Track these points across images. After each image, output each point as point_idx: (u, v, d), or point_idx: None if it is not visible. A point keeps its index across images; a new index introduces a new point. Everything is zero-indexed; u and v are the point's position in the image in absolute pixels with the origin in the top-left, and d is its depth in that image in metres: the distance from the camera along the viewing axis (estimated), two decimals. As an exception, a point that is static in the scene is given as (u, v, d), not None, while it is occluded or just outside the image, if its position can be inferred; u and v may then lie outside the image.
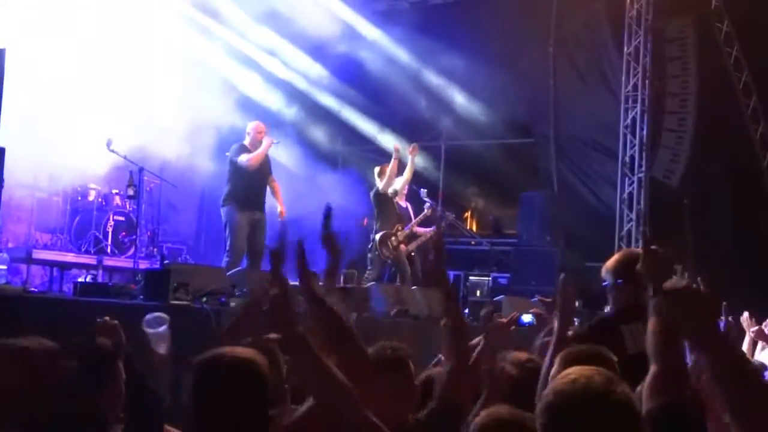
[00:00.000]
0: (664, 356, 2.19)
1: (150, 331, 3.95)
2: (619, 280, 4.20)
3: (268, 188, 9.89)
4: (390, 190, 10.43)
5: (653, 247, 2.17)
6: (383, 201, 10.52)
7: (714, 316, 1.87)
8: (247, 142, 9.87)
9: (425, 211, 10.84)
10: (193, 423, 2.24)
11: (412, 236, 10.82)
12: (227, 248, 9.57)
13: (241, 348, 2.50)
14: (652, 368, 2.57)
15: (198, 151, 11.90)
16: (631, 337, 3.84)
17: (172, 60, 12.06)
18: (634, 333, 3.83)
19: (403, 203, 11.00)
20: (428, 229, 11.39)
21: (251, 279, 7.85)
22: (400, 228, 10.56)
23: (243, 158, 9.56)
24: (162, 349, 3.90)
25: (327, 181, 12.76)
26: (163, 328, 3.96)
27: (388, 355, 3.25)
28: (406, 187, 10.83)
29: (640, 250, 4.10)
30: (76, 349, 3.40)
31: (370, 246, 10.59)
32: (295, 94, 13.45)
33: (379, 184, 10.52)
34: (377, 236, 10.38)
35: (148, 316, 4.04)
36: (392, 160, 10.52)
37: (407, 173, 10.67)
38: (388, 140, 14.18)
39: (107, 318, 3.72)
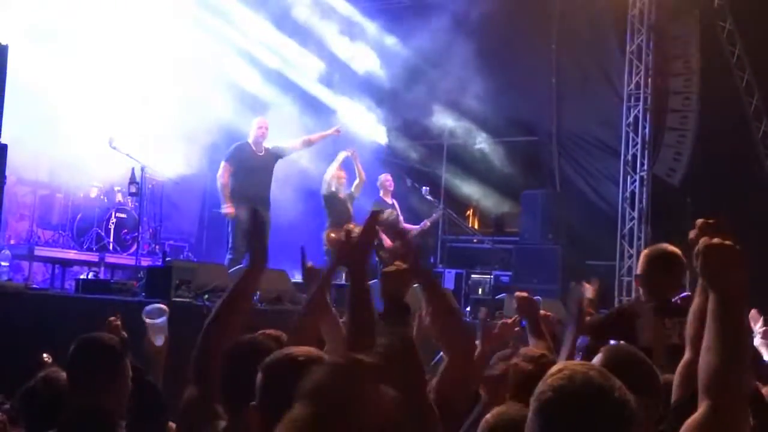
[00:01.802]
0: (699, 344, 2.19)
1: (149, 321, 3.95)
2: (638, 273, 4.29)
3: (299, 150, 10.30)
4: (329, 191, 10.68)
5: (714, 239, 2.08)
6: (328, 201, 10.74)
7: (738, 264, 2.03)
8: (250, 139, 9.89)
9: (385, 213, 11.01)
10: None
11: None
12: (230, 246, 9.59)
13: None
14: (686, 355, 2.58)
15: (201, 148, 11.90)
16: (643, 331, 3.86)
17: (175, 58, 12.05)
18: (647, 326, 3.86)
19: (390, 200, 11.20)
20: (415, 227, 11.48)
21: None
22: (353, 227, 10.69)
23: (219, 171, 9.86)
24: (159, 341, 3.91)
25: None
26: (162, 320, 3.96)
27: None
28: (392, 184, 11.53)
29: (666, 246, 4.17)
30: (85, 345, 3.41)
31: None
32: (297, 92, 13.44)
33: (324, 185, 10.78)
34: (324, 233, 10.57)
35: (149, 307, 4.05)
36: (335, 162, 10.84)
37: (360, 174, 11.01)
38: (390, 138, 14.22)
39: (114, 317, 3.73)
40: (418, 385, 2.45)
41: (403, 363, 2.37)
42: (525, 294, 4.01)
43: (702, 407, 1.97)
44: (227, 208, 9.72)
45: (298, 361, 2.35)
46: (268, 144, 10.01)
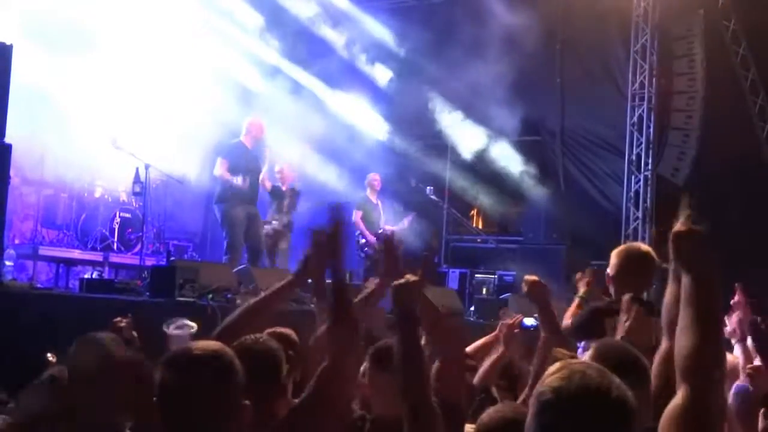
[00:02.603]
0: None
1: (174, 332, 3.88)
2: (609, 272, 4.31)
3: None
4: (275, 185, 10.75)
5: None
6: (271, 193, 10.81)
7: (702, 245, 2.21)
8: (243, 138, 9.88)
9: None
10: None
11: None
12: (226, 246, 9.59)
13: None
14: (663, 344, 2.57)
15: (205, 148, 11.89)
16: (612, 331, 3.84)
17: (179, 58, 12.07)
18: (615, 326, 3.84)
19: (375, 200, 11.25)
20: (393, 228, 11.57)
21: (257, 275, 7.86)
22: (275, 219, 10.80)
23: (216, 166, 9.78)
24: None
25: (331, 179, 12.76)
26: (185, 331, 3.89)
27: (383, 352, 3.20)
28: (379, 184, 11.64)
29: (637, 244, 4.17)
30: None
31: None
32: (298, 90, 13.44)
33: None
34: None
35: (177, 320, 3.98)
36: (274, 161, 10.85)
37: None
38: (394, 138, 14.21)
39: (119, 318, 3.73)
40: None
41: None
42: (535, 278, 3.93)
43: (680, 391, 1.97)
44: (239, 180, 9.63)
45: (194, 355, 2.35)
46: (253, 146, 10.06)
